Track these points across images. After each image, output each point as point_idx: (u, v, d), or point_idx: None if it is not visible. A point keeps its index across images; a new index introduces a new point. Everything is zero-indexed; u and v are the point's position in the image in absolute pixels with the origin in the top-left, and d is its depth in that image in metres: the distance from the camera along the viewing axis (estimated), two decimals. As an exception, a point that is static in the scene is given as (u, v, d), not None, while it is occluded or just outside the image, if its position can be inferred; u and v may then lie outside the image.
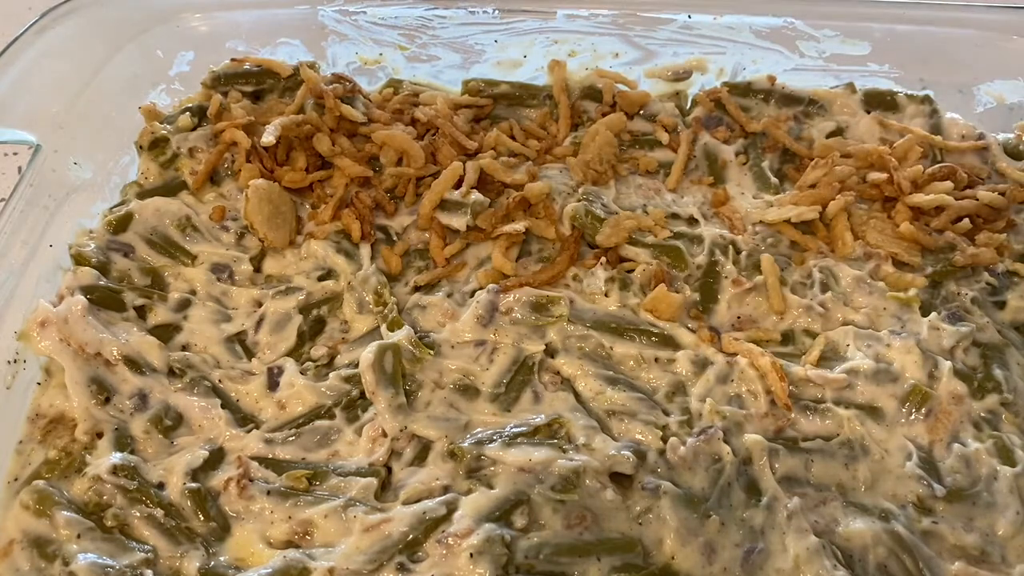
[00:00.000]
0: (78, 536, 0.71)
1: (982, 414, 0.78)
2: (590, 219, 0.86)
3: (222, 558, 0.72)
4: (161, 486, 0.75)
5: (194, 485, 0.74)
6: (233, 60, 0.99)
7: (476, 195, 0.88)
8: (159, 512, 0.73)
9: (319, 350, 0.83)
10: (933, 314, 0.82)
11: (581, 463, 0.71)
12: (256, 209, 0.88)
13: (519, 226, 0.86)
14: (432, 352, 0.80)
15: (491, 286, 0.83)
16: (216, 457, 0.77)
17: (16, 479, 0.77)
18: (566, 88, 0.99)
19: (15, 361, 0.82)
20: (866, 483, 0.74)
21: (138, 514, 0.73)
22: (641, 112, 0.98)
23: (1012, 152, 0.97)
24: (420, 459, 0.76)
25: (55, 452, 0.77)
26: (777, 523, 0.72)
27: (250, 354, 0.84)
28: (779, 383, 0.76)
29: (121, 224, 0.88)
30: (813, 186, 0.88)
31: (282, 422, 0.79)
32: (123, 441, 0.77)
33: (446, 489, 0.73)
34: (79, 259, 0.86)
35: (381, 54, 1.04)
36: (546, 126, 0.98)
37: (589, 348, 0.81)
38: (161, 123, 0.95)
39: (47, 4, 0.98)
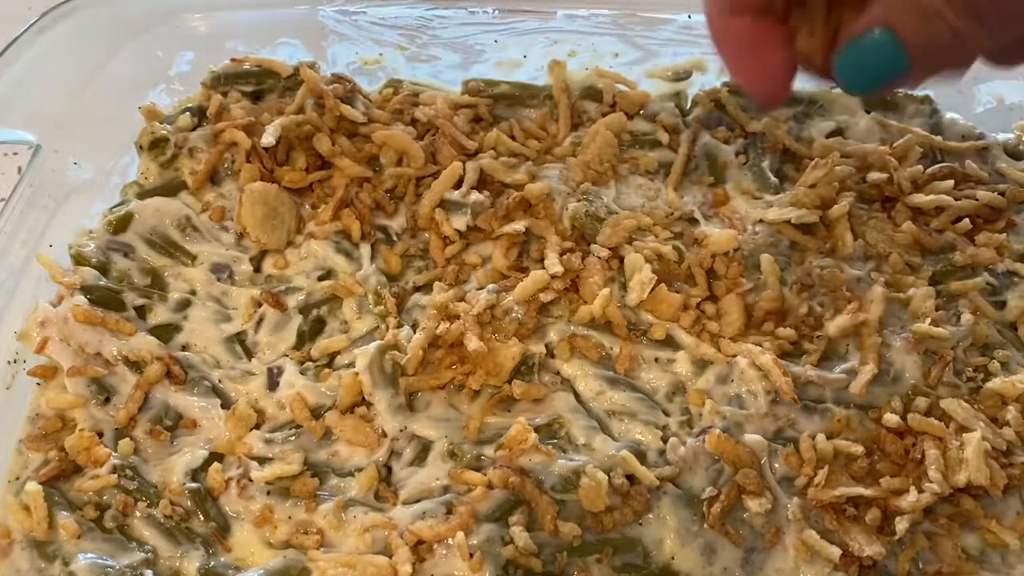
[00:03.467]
0: (78, 536, 0.72)
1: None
2: (590, 219, 0.86)
3: (222, 558, 0.72)
4: (161, 486, 0.75)
5: (194, 485, 0.75)
6: (233, 60, 0.99)
7: (476, 195, 0.88)
8: (159, 512, 0.73)
9: (319, 350, 0.83)
10: (933, 314, 0.82)
11: (581, 463, 0.72)
12: (249, 212, 0.88)
13: (519, 226, 0.86)
14: (432, 352, 0.80)
15: (491, 286, 0.83)
16: (216, 457, 0.77)
17: (16, 479, 0.77)
18: (566, 88, 0.99)
19: (15, 361, 0.82)
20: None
21: (138, 514, 0.74)
22: (641, 112, 0.98)
23: (1012, 152, 0.97)
24: (420, 459, 0.76)
25: (55, 452, 0.77)
26: (777, 523, 0.72)
27: (250, 354, 0.84)
28: (782, 378, 0.76)
29: (121, 224, 0.88)
30: (813, 186, 0.88)
31: (282, 422, 0.79)
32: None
33: (446, 489, 0.73)
34: (79, 259, 0.86)
35: (381, 54, 1.04)
36: (546, 126, 0.98)
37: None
38: (161, 123, 0.95)
39: (47, 4, 0.98)
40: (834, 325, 0.79)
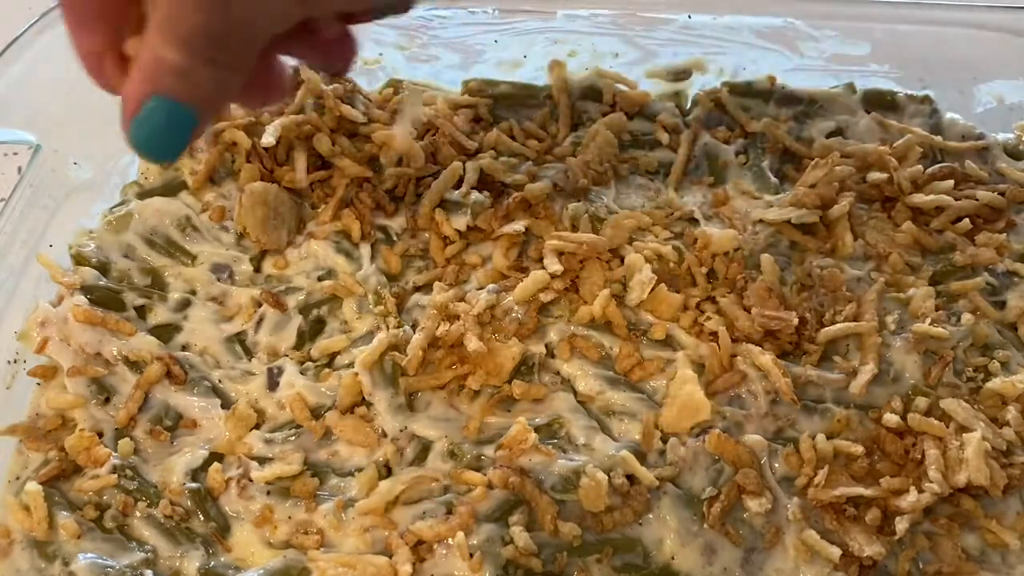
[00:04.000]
0: (78, 536, 0.72)
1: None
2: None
3: (222, 558, 0.72)
4: (161, 486, 0.75)
5: (194, 485, 0.74)
6: (233, 60, 0.99)
7: (476, 195, 0.88)
8: (159, 512, 0.73)
9: (319, 350, 0.83)
10: (933, 314, 0.82)
11: (581, 463, 0.71)
12: (249, 212, 0.87)
13: (519, 226, 0.86)
14: (432, 352, 0.80)
15: (491, 286, 0.83)
16: (216, 457, 0.77)
17: (16, 479, 0.77)
18: (566, 88, 0.99)
19: (15, 361, 0.82)
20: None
21: (138, 514, 0.74)
22: (641, 112, 0.98)
23: (1012, 152, 0.97)
24: (420, 459, 0.76)
25: (55, 452, 0.77)
26: (777, 523, 0.72)
27: (250, 354, 0.84)
28: (782, 378, 0.76)
29: (121, 224, 0.89)
30: (813, 186, 0.88)
31: (282, 422, 0.79)
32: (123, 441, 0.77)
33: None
34: (79, 259, 0.86)
35: (381, 54, 1.04)
36: (546, 126, 0.98)
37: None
38: (161, 123, 0.95)
39: (47, 4, 0.98)
40: (824, 334, 0.79)
